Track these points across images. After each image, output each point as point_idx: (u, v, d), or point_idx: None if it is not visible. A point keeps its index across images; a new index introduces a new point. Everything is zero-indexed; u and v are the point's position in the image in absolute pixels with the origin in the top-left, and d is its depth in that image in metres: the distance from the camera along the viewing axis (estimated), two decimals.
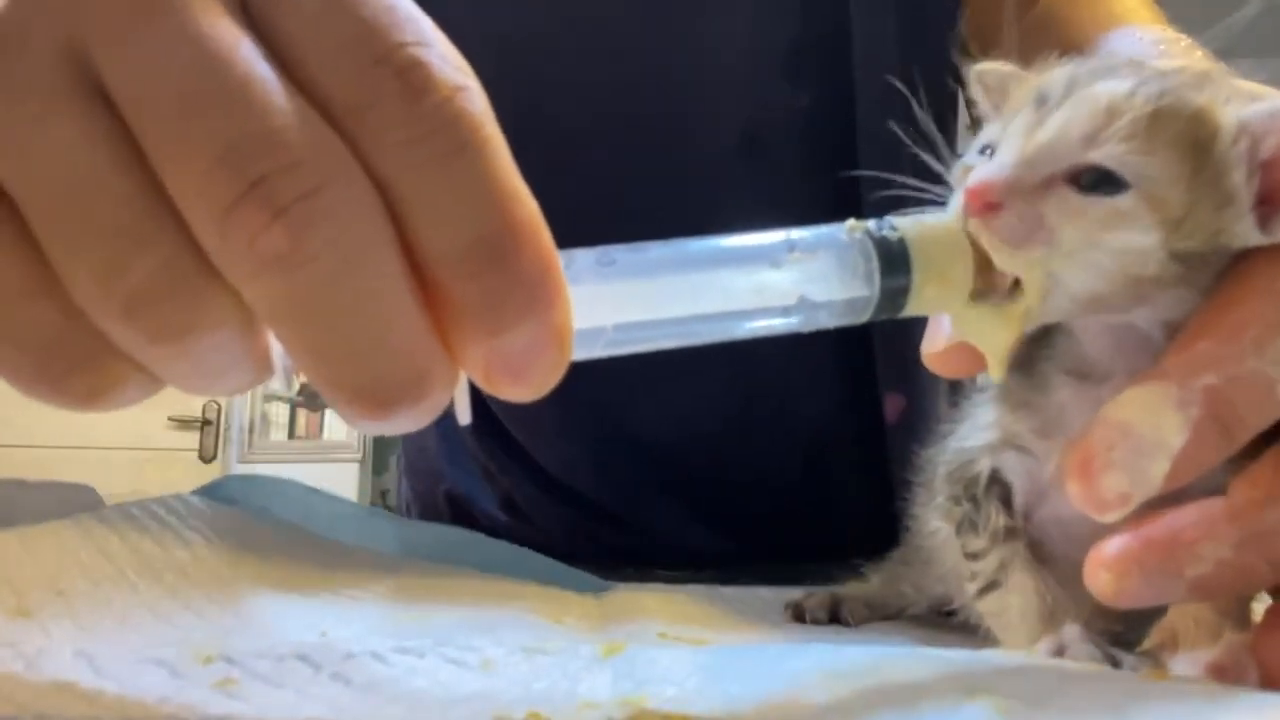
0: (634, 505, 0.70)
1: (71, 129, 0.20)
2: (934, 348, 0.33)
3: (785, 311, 0.27)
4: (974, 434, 0.37)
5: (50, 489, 0.41)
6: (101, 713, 0.24)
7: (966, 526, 0.37)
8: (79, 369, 0.22)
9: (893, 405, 0.64)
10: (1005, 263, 0.29)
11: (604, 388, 0.59)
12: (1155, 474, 0.27)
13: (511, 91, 0.60)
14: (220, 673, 0.27)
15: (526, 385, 0.22)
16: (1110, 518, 0.27)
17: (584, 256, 0.25)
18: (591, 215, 0.60)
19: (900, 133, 0.35)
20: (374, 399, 0.21)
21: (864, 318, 0.28)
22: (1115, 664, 0.31)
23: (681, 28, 0.60)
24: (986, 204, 0.29)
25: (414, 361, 0.21)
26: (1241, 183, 0.29)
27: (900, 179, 0.33)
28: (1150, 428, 0.27)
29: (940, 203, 0.32)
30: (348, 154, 0.21)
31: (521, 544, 0.56)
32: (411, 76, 0.21)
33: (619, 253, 0.25)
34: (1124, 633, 0.33)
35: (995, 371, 0.31)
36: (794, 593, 0.47)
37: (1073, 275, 0.29)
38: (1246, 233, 0.29)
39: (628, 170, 0.61)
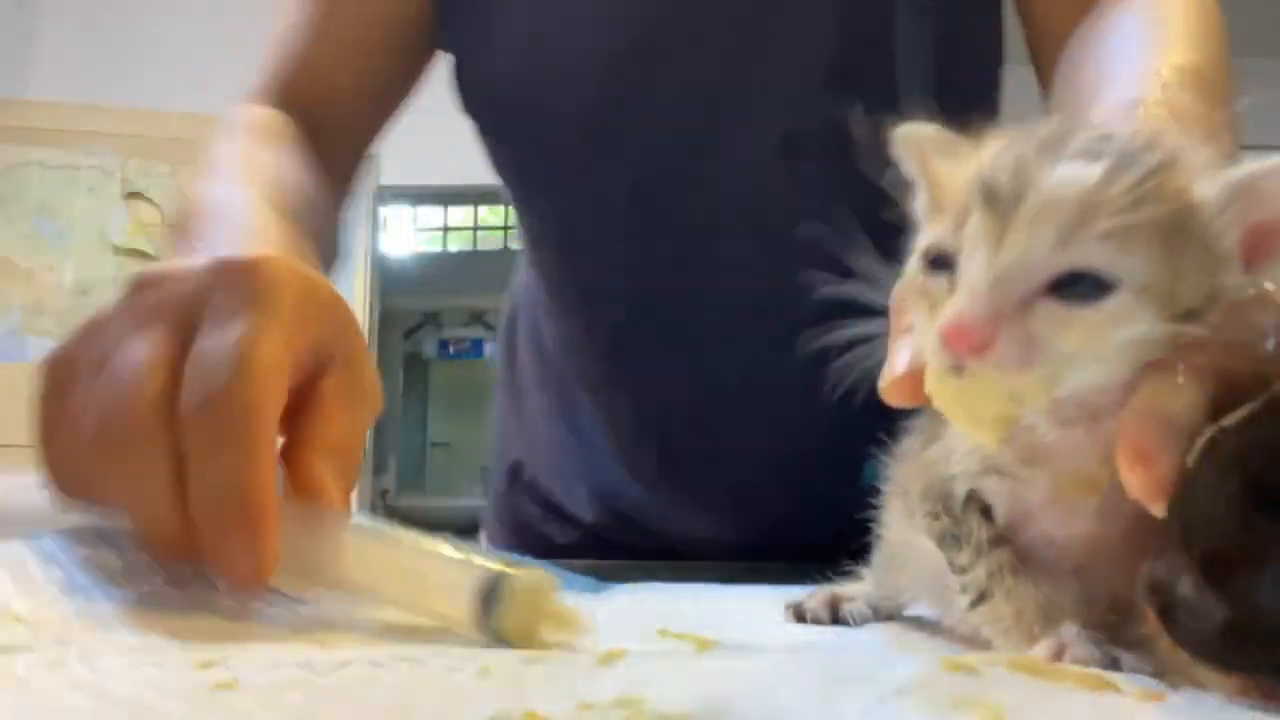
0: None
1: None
2: (884, 381, 0.33)
3: None
4: (951, 459, 0.36)
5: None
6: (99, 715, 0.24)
7: (949, 541, 0.36)
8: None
9: None
10: (1001, 399, 0.29)
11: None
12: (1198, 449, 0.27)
13: (593, 109, 0.65)
14: (218, 676, 0.27)
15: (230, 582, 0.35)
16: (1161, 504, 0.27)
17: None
18: (640, 213, 0.64)
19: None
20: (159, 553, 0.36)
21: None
22: (1115, 663, 0.31)
23: (727, 43, 0.63)
24: (973, 345, 0.28)
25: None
26: (1233, 245, 0.29)
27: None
28: (1181, 410, 0.27)
29: None
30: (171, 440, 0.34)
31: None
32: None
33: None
34: (1123, 629, 0.33)
35: (990, 437, 0.31)
36: (794, 593, 0.47)
37: (1078, 373, 0.29)
38: (1236, 280, 0.29)
39: (669, 171, 0.64)
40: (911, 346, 0.32)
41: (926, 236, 0.32)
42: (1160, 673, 0.30)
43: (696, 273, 0.65)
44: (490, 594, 0.32)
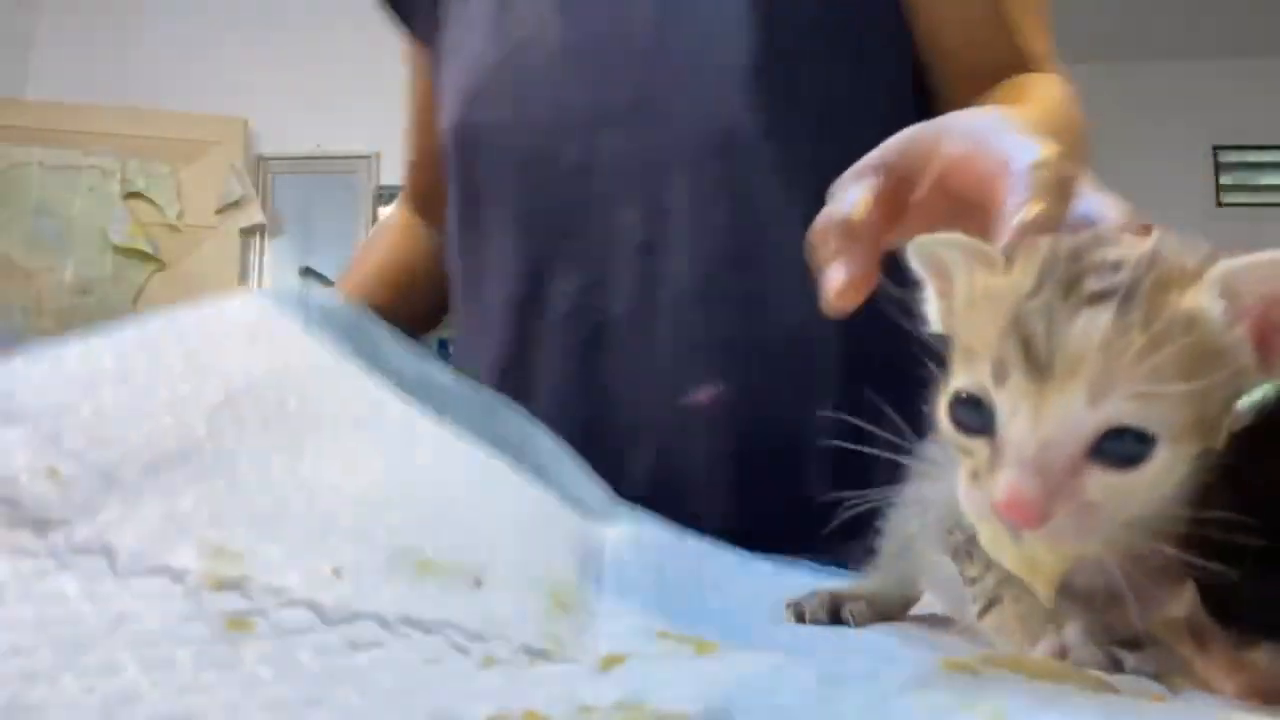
0: None
1: None
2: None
3: None
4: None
5: None
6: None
7: (962, 554, 0.36)
8: None
9: (706, 393, 0.68)
10: (1059, 560, 0.30)
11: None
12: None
13: (528, 109, 0.76)
14: (234, 604, 0.27)
15: None
16: None
17: None
18: (530, 192, 0.76)
19: None
20: None
21: None
22: (1117, 664, 0.31)
23: (562, 72, 0.75)
24: (1030, 520, 0.28)
25: None
26: (1245, 347, 0.29)
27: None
28: None
29: None
30: None
31: None
32: None
33: None
34: (1127, 635, 0.33)
35: (1046, 590, 0.31)
36: (794, 592, 0.46)
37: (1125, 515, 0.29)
38: (1254, 379, 0.29)
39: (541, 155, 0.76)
40: (962, 500, 0.32)
41: (959, 380, 0.31)
42: (1161, 674, 0.30)
43: (550, 246, 0.75)
44: None
